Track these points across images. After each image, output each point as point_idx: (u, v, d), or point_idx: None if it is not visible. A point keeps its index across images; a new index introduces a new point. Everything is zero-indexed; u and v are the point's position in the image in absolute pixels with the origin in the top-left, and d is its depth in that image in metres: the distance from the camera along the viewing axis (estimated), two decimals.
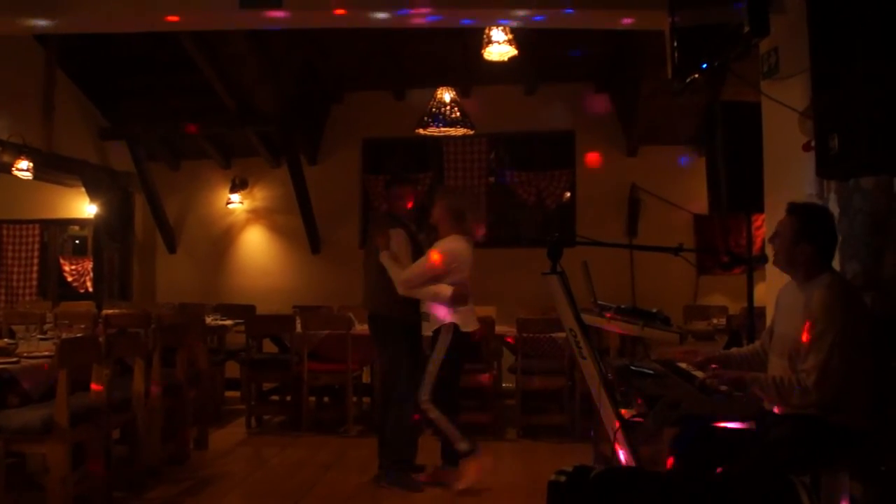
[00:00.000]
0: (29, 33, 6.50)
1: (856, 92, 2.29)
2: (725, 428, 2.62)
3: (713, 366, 2.66)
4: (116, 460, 4.31)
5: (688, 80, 3.06)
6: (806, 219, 2.62)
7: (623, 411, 2.59)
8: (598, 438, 3.59)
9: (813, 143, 2.84)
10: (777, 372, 2.57)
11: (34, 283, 9.19)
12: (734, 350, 3.04)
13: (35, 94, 7.17)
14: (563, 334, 5.25)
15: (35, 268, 9.19)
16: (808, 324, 2.44)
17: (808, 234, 2.57)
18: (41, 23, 4.34)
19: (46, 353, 4.14)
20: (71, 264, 9.38)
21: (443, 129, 5.85)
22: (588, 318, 2.86)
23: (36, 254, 9.18)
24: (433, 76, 6.98)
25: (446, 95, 5.93)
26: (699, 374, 2.82)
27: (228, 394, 6.73)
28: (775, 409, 2.55)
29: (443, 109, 5.83)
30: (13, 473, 3.99)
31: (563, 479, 2.03)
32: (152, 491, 4.22)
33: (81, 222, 9.15)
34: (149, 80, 7.69)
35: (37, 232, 9.15)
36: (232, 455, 5.19)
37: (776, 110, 3.38)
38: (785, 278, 2.76)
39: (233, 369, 6.73)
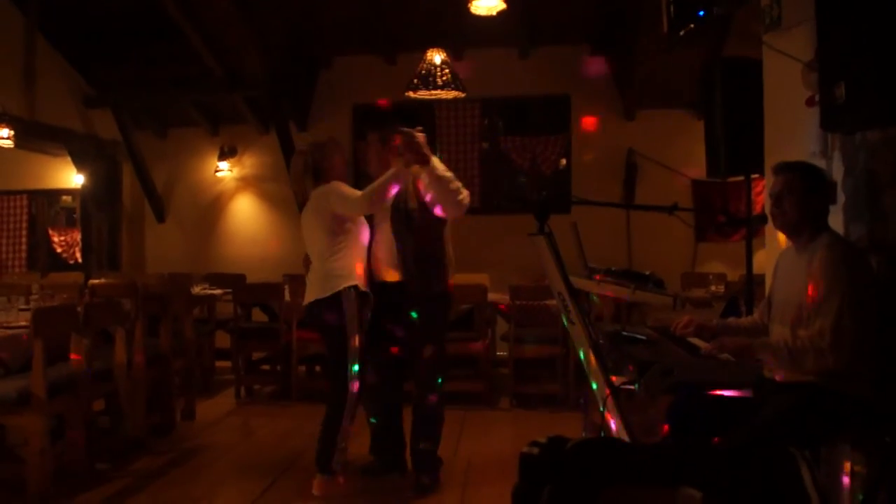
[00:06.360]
0: None
1: (864, 36, 2.14)
2: (722, 396, 2.50)
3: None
4: (100, 431, 4.23)
5: (682, 32, 2.89)
6: (807, 172, 2.51)
7: (613, 378, 2.47)
8: (587, 406, 3.49)
9: (817, 98, 2.70)
10: (781, 339, 2.46)
11: (23, 254, 9.07)
12: (732, 319, 2.92)
13: (15, 61, 6.96)
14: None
15: (23, 239, 9.07)
16: (812, 286, 2.32)
17: (816, 185, 2.47)
18: None
19: (24, 324, 4.03)
20: (60, 235, 9.23)
21: (433, 92, 5.64)
22: (577, 281, 2.74)
23: (24, 225, 9.06)
24: (424, 39, 6.77)
25: (437, 57, 5.71)
26: (697, 341, 2.70)
27: (219, 363, 6.63)
28: (776, 377, 2.44)
29: (433, 71, 5.63)
30: None
31: (536, 451, 1.90)
32: (136, 462, 4.15)
33: (69, 192, 9.00)
34: (133, 46, 7.49)
35: (25, 203, 9.02)
36: (219, 425, 5.11)
37: (778, 65, 3.23)
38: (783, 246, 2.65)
39: (224, 339, 6.64)
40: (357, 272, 3.61)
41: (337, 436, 3.58)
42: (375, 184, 3.51)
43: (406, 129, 3.42)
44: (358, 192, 3.57)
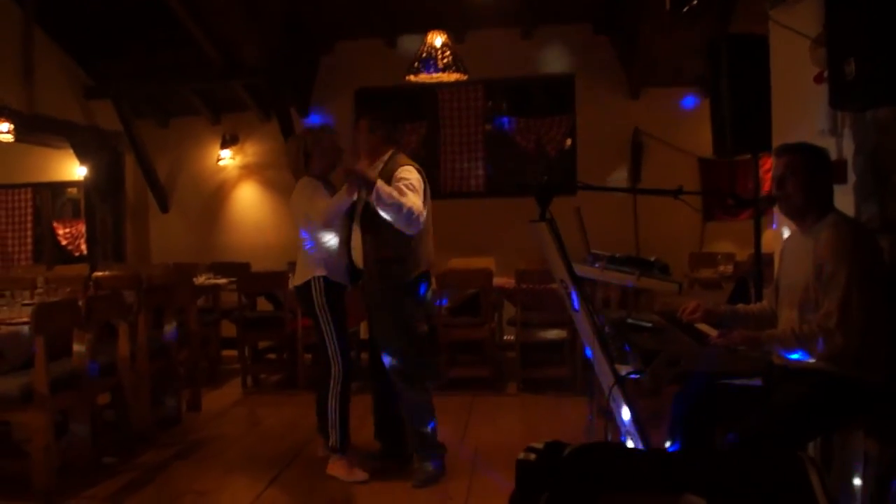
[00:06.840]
0: None
1: (874, 9, 2.05)
2: (730, 385, 2.44)
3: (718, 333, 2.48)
4: (106, 425, 4.21)
5: (686, 8, 2.80)
6: (809, 152, 2.44)
7: (619, 367, 2.41)
8: (594, 390, 3.43)
9: (826, 74, 2.62)
10: (788, 325, 2.40)
11: (29, 247, 9.09)
12: (741, 306, 2.85)
13: (13, 54, 6.89)
14: None
15: (29, 232, 9.08)
16: (818, 266, 2.26)
17: (819, 166, 2.41)
18: None
19: (26, 320, 4.00)
20: (65, 227, 9.23)
21: (434, 74, 5.55)
22: (581, 269, 2.67)
23: (30, 218, 9.08)
24: (425, 21, 6.68)
25: (437, 39, 5.62)
26: (704, 328, 2.64)
27: (225, 353, 6.62)
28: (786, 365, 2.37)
29: (434, 54, 5.54)
30: None
31: (532, 456, 1.85)
32: (142, 455, 4.14)
33: (73, 185, 8.98)
34: (131, 36, 7.40)
35: (29, 196, 9.04)
36: (225, 416, 5.10)
37: (786, 41, 3.14)
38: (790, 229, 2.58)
39: (230, 329, 6.62)
40: (330, 262, 3.69)
41: (326, 414, 3.70)
42: (327, 205, 3.58)
43: (348, 169, 3.48)
44: (322, 203, 3.61)
